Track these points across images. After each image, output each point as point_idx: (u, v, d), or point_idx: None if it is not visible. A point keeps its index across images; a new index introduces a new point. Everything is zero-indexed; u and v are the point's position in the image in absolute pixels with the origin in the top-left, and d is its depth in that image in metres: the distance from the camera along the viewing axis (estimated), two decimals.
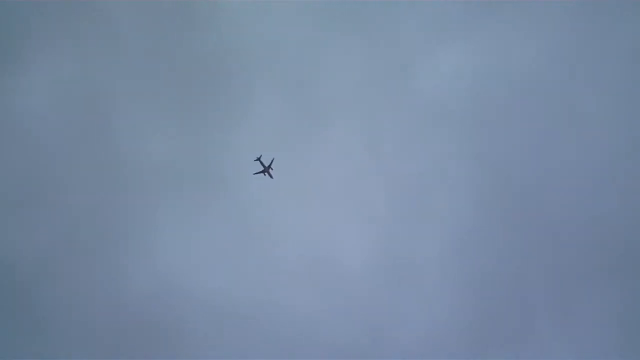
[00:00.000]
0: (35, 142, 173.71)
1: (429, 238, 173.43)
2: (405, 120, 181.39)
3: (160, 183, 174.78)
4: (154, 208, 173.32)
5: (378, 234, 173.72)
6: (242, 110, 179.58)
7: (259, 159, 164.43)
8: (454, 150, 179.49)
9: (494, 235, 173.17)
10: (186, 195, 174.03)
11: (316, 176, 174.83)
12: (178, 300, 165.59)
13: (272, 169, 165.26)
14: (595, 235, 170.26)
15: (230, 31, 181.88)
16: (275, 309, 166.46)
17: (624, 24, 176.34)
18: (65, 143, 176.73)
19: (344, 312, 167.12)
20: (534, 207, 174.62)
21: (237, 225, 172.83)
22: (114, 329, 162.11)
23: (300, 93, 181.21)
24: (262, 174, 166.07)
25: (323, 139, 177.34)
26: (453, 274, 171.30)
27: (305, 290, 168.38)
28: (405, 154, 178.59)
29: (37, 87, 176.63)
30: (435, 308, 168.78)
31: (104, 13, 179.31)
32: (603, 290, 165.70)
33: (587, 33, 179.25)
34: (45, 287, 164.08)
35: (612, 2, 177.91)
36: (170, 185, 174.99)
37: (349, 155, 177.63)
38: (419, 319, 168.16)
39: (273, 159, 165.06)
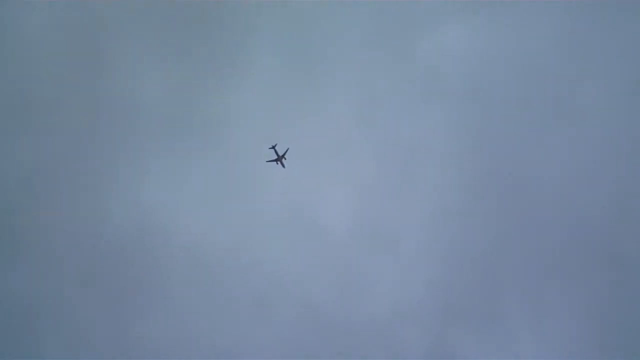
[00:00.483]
0: (31, 65, 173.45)
1: (411, 209, 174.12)
2: (402, 90, 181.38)
3: (153, 123, 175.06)
4: (144, 146, 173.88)
5: (362, 198, 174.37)
6: (240, 62, 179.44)
7: (273, 148, 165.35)
8: (447, 126, 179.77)
9: (476, 213, 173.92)
10: (177, 138, 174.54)
11: (307, 135, 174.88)
12: (156, 238, 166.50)
13: (285, 158, 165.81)
14: (579, 225, 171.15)
15: None
16: (252, 259, 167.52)
17: (633, 15, 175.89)
18: (61, 72, 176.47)
19: (318, 271, 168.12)
20: (520, 191, 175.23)
21: (223, 174, 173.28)
22: (89, 257, 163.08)
23: (299, 50, 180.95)
24: (274, 162, 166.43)
25: (317, 99, 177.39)
26: (431, 247, 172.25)
27: (283, 245, 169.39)
28: (398, 123, 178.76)
29: (34, 18, 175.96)
30: (409, 277, 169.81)
31: None
32: (578, 280, 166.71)
33: (597, 24, 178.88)
34: (27, 207, 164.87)
35: None
36: (162, 127, 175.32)
37: (341, 118, 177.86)
38: (392, 286, 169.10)
39: (287, 149, 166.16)
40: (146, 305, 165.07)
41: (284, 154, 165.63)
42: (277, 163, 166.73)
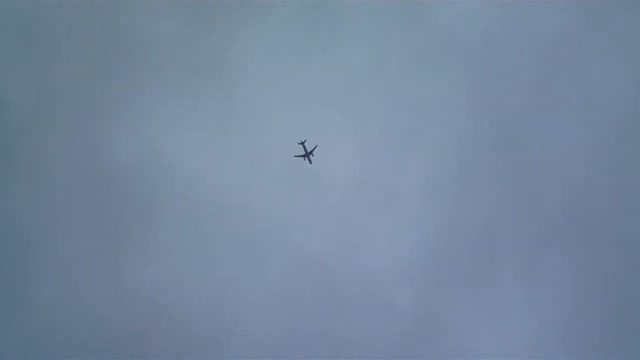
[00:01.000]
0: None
1: (414, 168, 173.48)
2: (415, 52, 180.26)
3: (159, 59, 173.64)
4: (151, 84, 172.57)
5: (365, 152, 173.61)
6: (252, 8, 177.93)
7: (302, 143, 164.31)
8: (457, 91, 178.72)
9: (478, 179, 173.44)
10: (183, 75, 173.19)
11: (316, 85, 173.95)
12: (153, 172, 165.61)
13: (312, 155, 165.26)
14: (580, 199, 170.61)
15: None
16: (248, 202, 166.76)
17: None
18: (70, 5, 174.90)
19: (316, 219, 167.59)
20: (523, 160, 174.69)
21: (227, 115, 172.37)
22: (87, 188, 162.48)
23: (313, 2, 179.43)
24: (302, 158, 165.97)
25: (328, 48, 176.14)
26: (430, 209, 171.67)
27: (282, 191, 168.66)
28: (407, 81, 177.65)
29: None
30: (405, 237, 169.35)
31: None
32: (575, 251, 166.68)
33: None
34: (28, 135, 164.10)
35: None
36: (168, 64, 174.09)
37: (351, 69, 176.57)
38: (388, 245, 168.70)
39: (316, 146, 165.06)
40: (139, 244, 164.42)
41: (312, 150, 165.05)
42: (305, 159, 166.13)
